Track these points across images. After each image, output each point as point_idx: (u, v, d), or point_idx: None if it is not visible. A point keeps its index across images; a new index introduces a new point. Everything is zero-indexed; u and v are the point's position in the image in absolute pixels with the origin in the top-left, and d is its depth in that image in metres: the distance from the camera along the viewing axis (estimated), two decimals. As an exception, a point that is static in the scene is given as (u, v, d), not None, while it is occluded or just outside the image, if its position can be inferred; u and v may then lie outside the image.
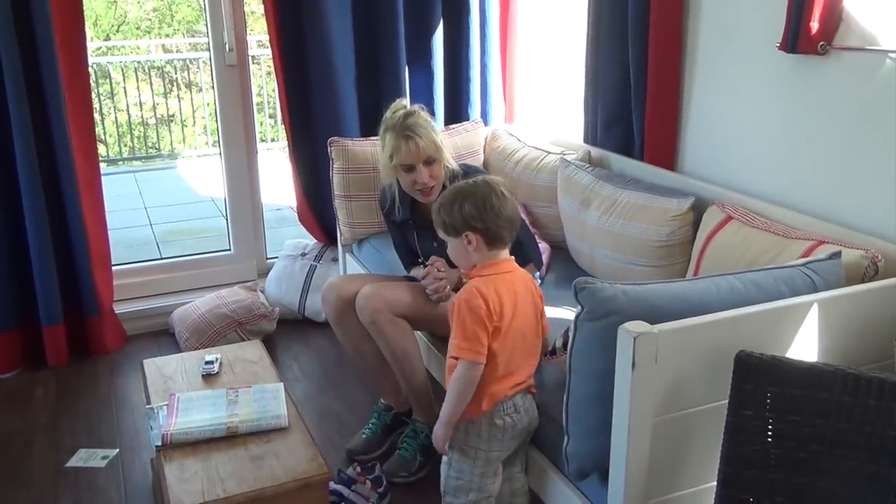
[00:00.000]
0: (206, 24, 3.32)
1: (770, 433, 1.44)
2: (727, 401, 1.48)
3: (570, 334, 1.65)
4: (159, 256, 4.62)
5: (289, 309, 3.52)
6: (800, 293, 1.67)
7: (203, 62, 6.53)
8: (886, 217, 1.99)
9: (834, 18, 2.08)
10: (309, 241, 3.68)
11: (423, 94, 3.48)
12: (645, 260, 2.46)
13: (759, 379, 1.44)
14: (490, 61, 3.53)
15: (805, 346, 1.64)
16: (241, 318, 3.27)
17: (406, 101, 2.51)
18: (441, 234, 1.93)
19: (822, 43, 2.10)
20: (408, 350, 2.30)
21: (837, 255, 1.79)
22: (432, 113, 3.58)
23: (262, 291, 3.55)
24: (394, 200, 2.50)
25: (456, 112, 3.57)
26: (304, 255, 3.61)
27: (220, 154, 3.57)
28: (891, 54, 1.95)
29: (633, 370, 1.46)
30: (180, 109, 6.85)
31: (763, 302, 1.62)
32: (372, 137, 3.28)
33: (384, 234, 3.20)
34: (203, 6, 3.30)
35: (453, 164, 2.44)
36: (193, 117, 7.01)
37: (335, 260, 3.54)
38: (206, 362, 2.30)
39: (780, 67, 2.26)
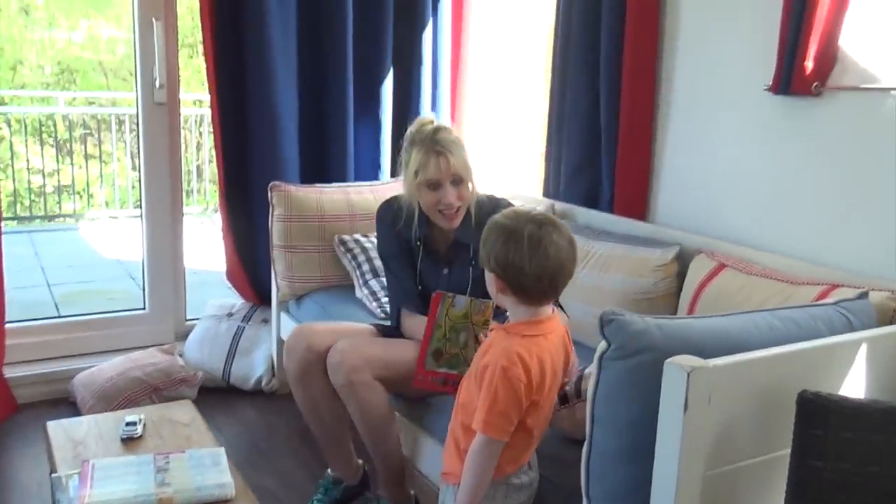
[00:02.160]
0: (135, 54, 3.01)
1: (844, 486, 1.22)
2: (787, 450, 1.26)
3: (593, 376, 1.40)
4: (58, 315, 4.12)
5: (212, 375, 3.12)
6: (838, 332, 1.50)
7: (119, 118, 6.13)
8: (887, 259, 1.88)
9: (829, 57, 2.01)
10: (236, 300, 3.32)
11: (370, 145, 3.27)
12: (625, 314, 2.26)
13: (828, 423, 1.23)
14: (440, 113, 3.36)
15: (855, 385, 1.45)
16: (158, 384, 2.86)
17: (433, 116, 2.23)
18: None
19: (816, 83, 2.02)
20: (385, 417, 1.98)
21: (865, 295, 1.65)
22: (378, 165, 3.36)
23: (181, 356, 3.15)
24: (411, 216, 2.14)
25: (403, 164, 3.36)
26: (230, 315, 3.24)
27: (142, 199, 3.20)
28: (893, 92, 1.88)
29: (685, 412, 1.22)
30: (87, 175, 6.26)
31: (803, 340, 1.43)
32: (316, 185, 3.02)
33: (327, 289, 2.91)
34: (133, 32, 3.00)
35: (478, 191, 2.18)
36: (101, 181, 6.44)
37: (266, 321, 3.19)
38: (127, 423, 1.91)
39: (768, 110, 2.17)
